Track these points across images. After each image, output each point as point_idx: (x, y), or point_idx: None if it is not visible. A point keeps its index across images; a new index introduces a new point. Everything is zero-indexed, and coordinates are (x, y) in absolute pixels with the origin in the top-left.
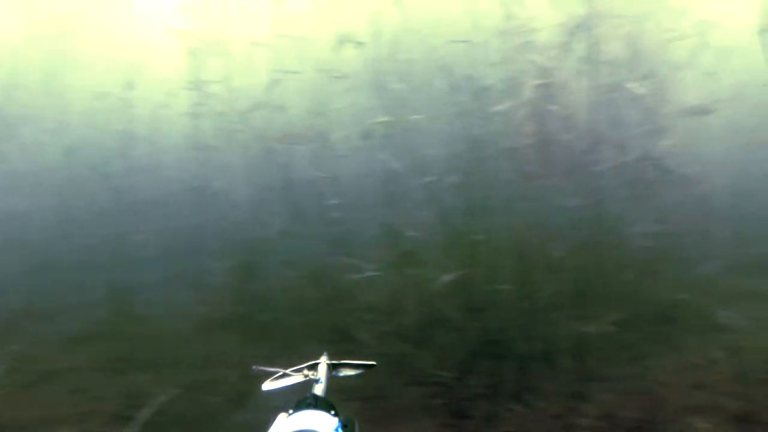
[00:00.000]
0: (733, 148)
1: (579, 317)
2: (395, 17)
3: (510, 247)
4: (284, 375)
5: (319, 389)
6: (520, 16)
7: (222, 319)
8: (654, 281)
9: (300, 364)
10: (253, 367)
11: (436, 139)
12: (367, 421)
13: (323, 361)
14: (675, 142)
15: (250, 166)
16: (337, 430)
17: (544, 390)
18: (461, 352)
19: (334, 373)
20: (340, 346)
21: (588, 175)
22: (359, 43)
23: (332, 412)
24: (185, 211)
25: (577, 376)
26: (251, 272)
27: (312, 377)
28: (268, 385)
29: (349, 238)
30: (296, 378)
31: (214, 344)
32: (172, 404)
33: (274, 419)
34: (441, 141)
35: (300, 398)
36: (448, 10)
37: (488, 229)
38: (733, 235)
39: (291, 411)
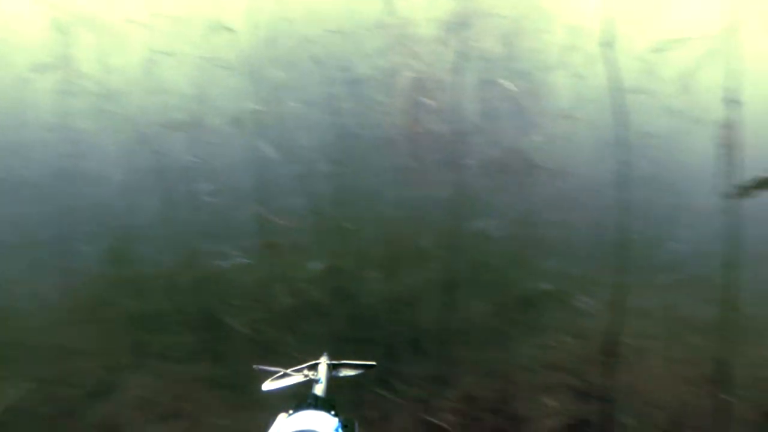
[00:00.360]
0: (598, 146)
1: (445, 304)
2: (271, 5)
3: (380, 236)
4: (285, 375)
5: (319, 389)
6: (398, 10)
7: (88, 308)
8: (518, 270)
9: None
10: (254, 366)
11: (310, 128)
12: (233, 410)
13: (323, 362)
14: (544, 139)
15: (121, 149)
16: (337, 430)
17: (408, 375)
18: (329, 339)
19: (334, 373)
20: (210, 333)
21: (458, 168)
22: (233, 30)
23: (332, 412)
24: (52, 194)
25: (441, 361)
26: (121, 258)
27: (312, 377)
28: (268, 385)
29: (221, 224)
30: (296, 378)
31: (78, 334)
32: (25, 399)
33: (273, 419)
34: (315, 130)
35: (300, 398)
36: (325, 1)
37: (359, 218)
38: (595, 228)
39: (291, 411)
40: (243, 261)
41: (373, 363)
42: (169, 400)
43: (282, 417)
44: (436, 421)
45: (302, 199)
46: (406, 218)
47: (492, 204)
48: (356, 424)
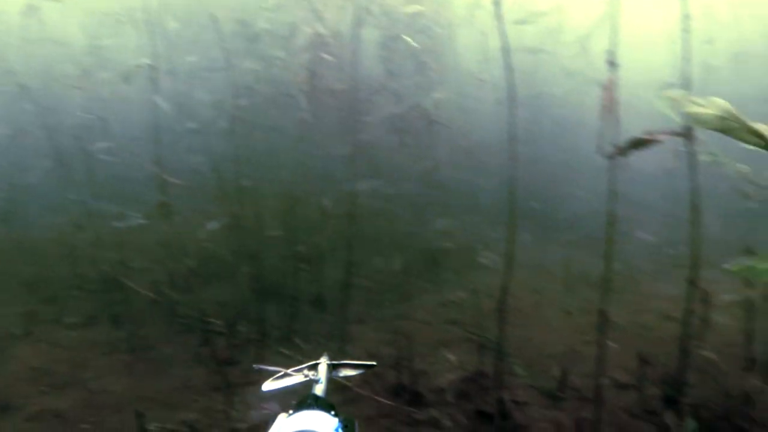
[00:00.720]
0: (500, 106)
1: (349, 262)
2: None
3: (281, 194)
4: (285, 375)
5: (319, 389)
6: None
7: None
8: (419, 227)
9: None
10: (255, 366)
11: (207, 84)
12: (132, 375)
13: (323, 362)
14: (446, 96)
15: (6, 106)
16: (337, 430)
17: (312, 333)
18: (232, 299)
19: (334, 373)
20: (108, 296)
21: (359, 125)
22: None
23: (332, 413)
24: None
25: (345, 319)
26: (11, 220)
27: (312, 377)
28: (268, 385)
29: (116, 184)
30: (296, 378)
31: None
32: None
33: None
34: (212, 86)
35: (300, 398)
36: None
37: (259, 177)
38: (497, 186)
39: (291, 411)
40: (140, 221)
41: (374, 363)
42: (64, 368)
43: (282, 417)
44: (338, 378)
45: (200, 156)
46: (306, 176)
47: (393, 161)
48: (356, 424)
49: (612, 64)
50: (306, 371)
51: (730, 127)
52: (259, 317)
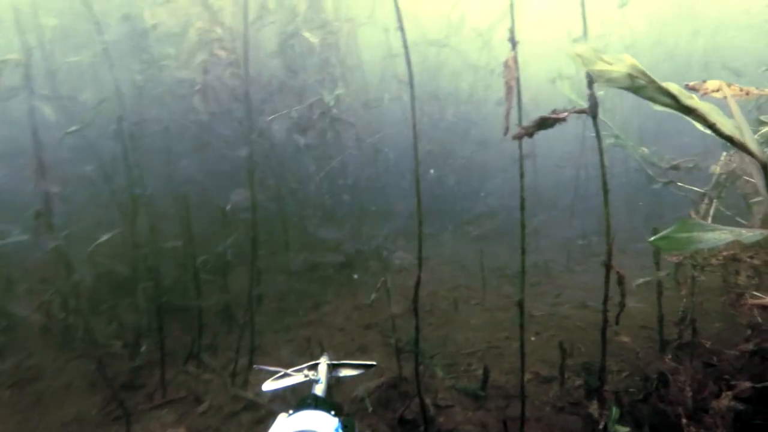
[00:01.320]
0: (403, 102)
1: (256, 270)
2: None
3: (178, 201)
4: (285, 375)
5: (319, 389)
6: None
7: None
8: (332, 230)
9: None
10: (255, 366)
11: (89, 82)
12: (16, 412)
13: (323, 362)
14: (347, 92)
15: None
16: (337, 430)
17: (220, 347)
18: (131, 317)
19: (334, 373)
20: None
21: (259, 124)
22: None
23: (332, 413)
24: None
25: (255, 330)
26: None
27: (312, 377)
28: (268, 385)
29: None
30: (297, 378)
31: None
32: None
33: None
34: (98, 86)
35: (300, 398)
36: None
37: (154, 183)
38: (406, 183)
39: (291, 411)
40: (23, 238)
41: (374, 363)
42: None
43: (282, 417)
44: (243, 394)
45: (87, 163)
46: (204, 181)
47: (297, 161)
48: (356, 424)
49: (513, 42)
50: (306, 371)
51: (639, 86)
52: (161, 335)
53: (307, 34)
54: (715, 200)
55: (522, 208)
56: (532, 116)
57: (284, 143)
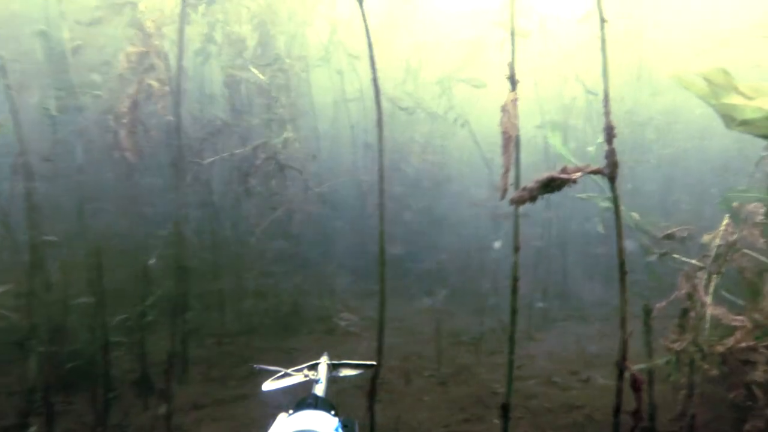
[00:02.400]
0: (356, 148)
1: (180, 330)
2: None
3: (92, 251)
4: (285, 375)
5: (319, 389)
6: None
7: None
8: (271, 286)
9: None
10: (255, 366)
11: None
12: None
13: (323, 362)
14: (296, 136)
15: None
16: (337, 430)
17: (131, 426)
18: (26, 387)
19: (334, 373)
20: None
21: (195, 166)
22: None
23: (332, 413)
24: None
25: (175, 404)
26: None
27: (312, 377)
28: (268, 385)
29: None
30: (297, 378)
31: None
32: None
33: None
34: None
35: (300, 398)
36: None
37: (63, 230)
38: (356, 236)
39: (291, 411)
40: None
41: (373, 363)
42: None
43: (282, 417)
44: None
45: None
46: (126, 228)
47: (237, 209)
48: (356, 424)
49: (513, 81)
50: (306, 371)
51: None
52: (62, 409)
53: (254, 70)
54: (715, 275)
55: (514, 291)
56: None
57: (224, 189)
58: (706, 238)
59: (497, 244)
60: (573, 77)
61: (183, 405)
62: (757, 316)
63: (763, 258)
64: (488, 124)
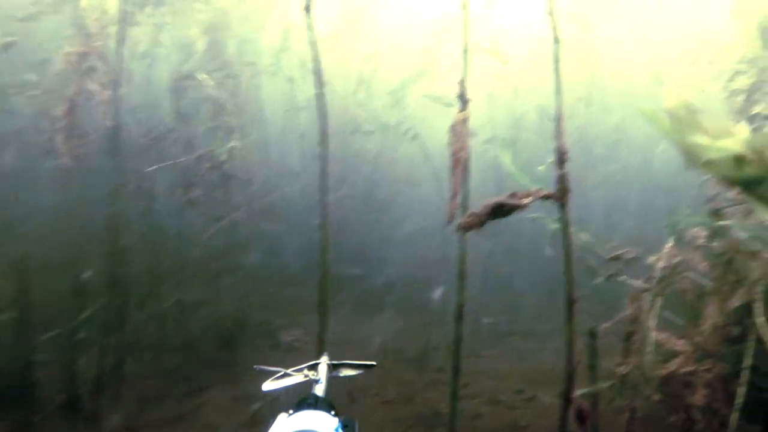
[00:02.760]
0: (304, 158)
1: (115, 347)
2: None
3: (18, 262)
4: (285, 375)
5: (319, 389)
6: None
7: None
8: (214, 300)
9: None
10: (255, 366)
11: None
12: None
13: (324, 362)
14: (243, 145)
15: None
16: (337, 430)
17: None
18: None
19: (334, 373)
20: None
21: (136, 175)
22: None
23: (332, 413)
24: None
25: (106, 428)
26: None
27: (312, 377)
28: (268, 385)
29: None
30: (297, 378)
31: None
32: None
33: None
34: None
35: (300, 398)
36: None
37: None
38: (304, 248)
39: (291, 411)
40: None
41: (374, 363)
42: None
43: (282, 417)
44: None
45: None
46: (61, 239)
47: (180, 219)
48: (356, 424)
49: (463, 100)
50: (306, 371)
51: (752, 179)
52: None
53: (202, 76)
54: (659, 297)
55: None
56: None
57: (167, 198)
58: (651, 259)
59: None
60: (524, 91)
61: (115, 428)
62: (697, 338)
63: (703, 281)
64: (439, 136)
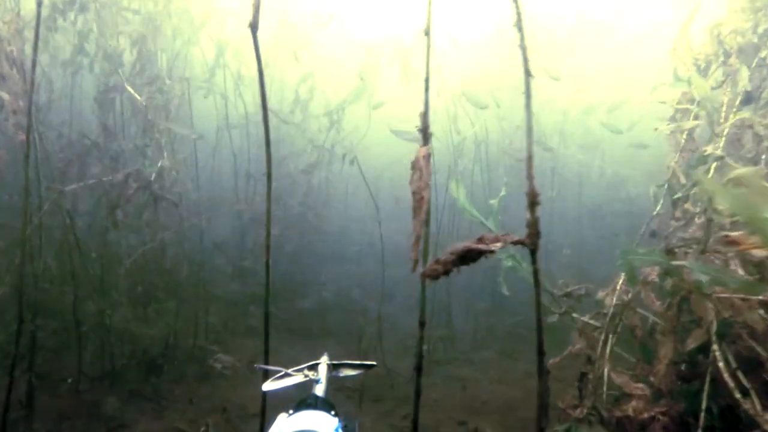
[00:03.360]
0: (239, 176)
1: (30, 379)
2: None
3: None
4: (285, 375)
5: (319, 389)
6: None
7: None
8: (137, 325)
9: None
10: (255, 365)
11: None
12: None
13: (324, 362)
14: (174, 164)
15: None
16: (337, 430)
17: None
18: None
19: (334, 373)
20: None
21: (51, 193)
22: None
23: (332, 413)
24: None
25: None
26: None
27: (312, 377)
28: (268, 385)
29: None
30: (297, 378)
31: None
32: None
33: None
34: None
35: (300, 398)
36: None
37: None
38: (234, 273)
39: (291, 411)
40: None
41: (374, 363)
42: None
43: (282, 417)
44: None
45: None
46: None
47: (104, 241)
48: (356, 425)
49: (425, 133)
50: (306, 371)
51: None
52: None
53: (130, 89)
54: (611, 336)
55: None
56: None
57: (90, 219)
58: (601, 295)
59: None
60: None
61: None
62: (651, 378)
63: (653, 318)
64: (373, 159)
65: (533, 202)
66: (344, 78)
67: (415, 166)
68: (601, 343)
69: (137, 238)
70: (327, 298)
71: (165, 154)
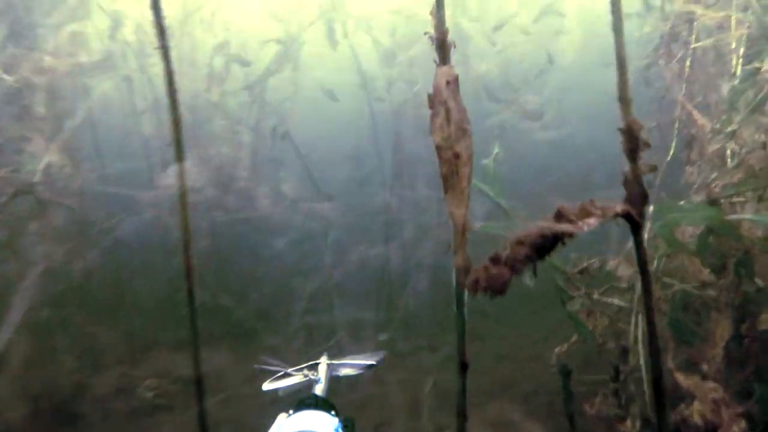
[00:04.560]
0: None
1: None
2: None
3: None
4: (285, 375)
5: (319, 389)
6: None
7: None
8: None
9: None
10: (255, 365)
11: None
12: None
13: (324, 361)
14: (65, 160)
15: None
16: (337, 430)
17: None
18: None
19: (334, 373)
20: None
21: None
22: None
23: (332, 412)
24: None
25: None
26: None
27: (312, 377)
28: (268, 385)
29: None
30: (297, 378)
31: None
32: None
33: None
34: None
35: (300, 398)
36: None
37: None
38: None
39: (291, 411)
40: None
41: (374, 363)
42: None
43: (282, 417)
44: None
45: None
46: None
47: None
48: (356, 424)
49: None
50: (306, 371)
51: None
52: None
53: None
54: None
55: None
56: None
57: None
58: (612, 264)
59: None
60: None
61: None
62: (704, 367)
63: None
64: (308, 132)
65: (634, 143)
66: (263, 46)
67: (435, 101)
68: (632, 327)
69: (24, 260)
70: (266, 295)
71: (53, 147)
